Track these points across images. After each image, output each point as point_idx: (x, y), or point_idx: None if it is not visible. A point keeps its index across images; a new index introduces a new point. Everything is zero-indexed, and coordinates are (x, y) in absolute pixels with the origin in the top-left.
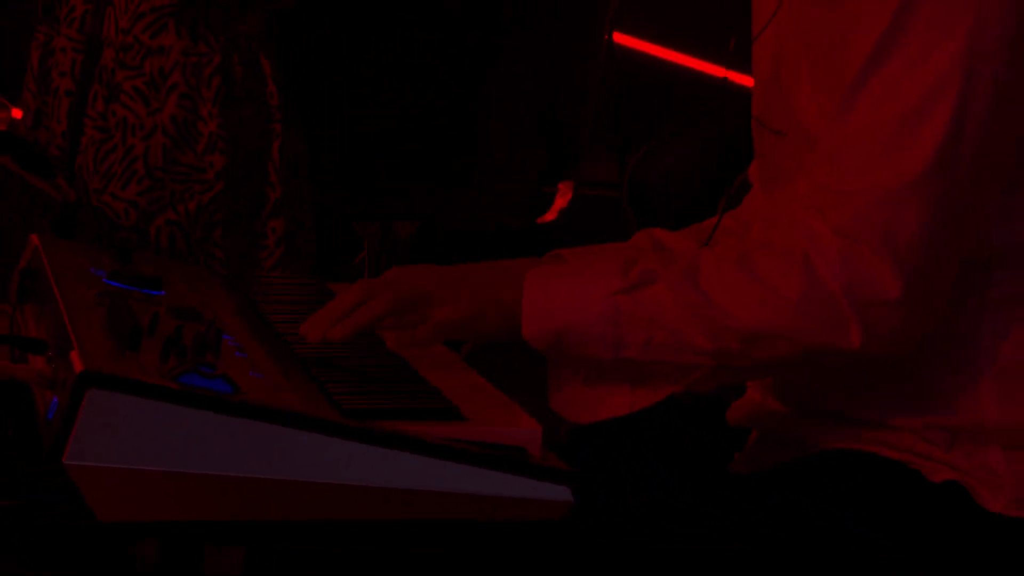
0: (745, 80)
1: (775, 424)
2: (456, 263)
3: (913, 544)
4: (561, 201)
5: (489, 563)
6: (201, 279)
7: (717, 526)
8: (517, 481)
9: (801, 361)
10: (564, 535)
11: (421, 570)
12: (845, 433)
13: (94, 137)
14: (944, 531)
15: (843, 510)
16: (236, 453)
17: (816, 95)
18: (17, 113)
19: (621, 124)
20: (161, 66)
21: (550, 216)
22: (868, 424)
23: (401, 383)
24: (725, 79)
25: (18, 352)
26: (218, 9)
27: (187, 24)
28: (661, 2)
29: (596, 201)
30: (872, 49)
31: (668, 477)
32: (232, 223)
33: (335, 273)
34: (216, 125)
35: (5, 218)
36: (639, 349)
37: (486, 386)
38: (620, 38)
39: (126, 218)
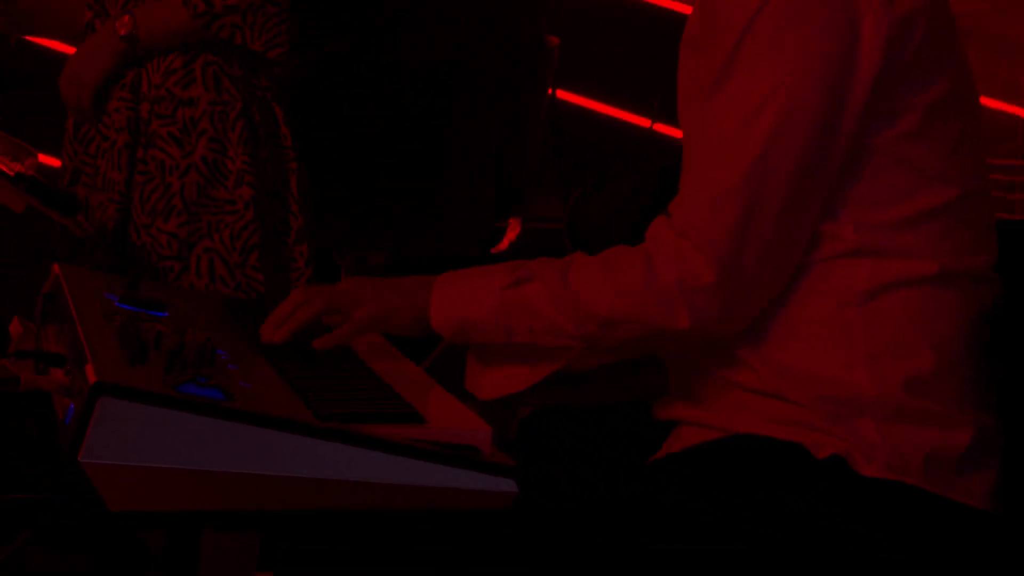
0: (668, 131)
1: (688, 413)
2: None
3: (805, 512)
4: (512, 233)
5: (444, 546)
6: (201, 303)
7: (637, 509)
8: (469, 475)
9: (650, 341)
10: (510, 521)
11: (387, 552)
12: (748, 415)
13: (138, 180)
14: (830, 497)
15: (754, 489)
16: (227, 452)
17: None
18: (48, 159)
19: (564, 168)
20: (192, 115)
21: (502, 246)
22: (766, 395)
23: (370, 391)
24: (651, 128)
25: (41, 365)
26: (237, 65)
27: (212, 78)
28: (598, 64)
29: (542, 233)
30: (710, 86)
31: (600, 467)
32: (265, 248)
33: None
34: (242, 163)
35: (32, 250)
36: (524, 335)
37: (444, 393)
38: (563, 95)
39: (169, 248)
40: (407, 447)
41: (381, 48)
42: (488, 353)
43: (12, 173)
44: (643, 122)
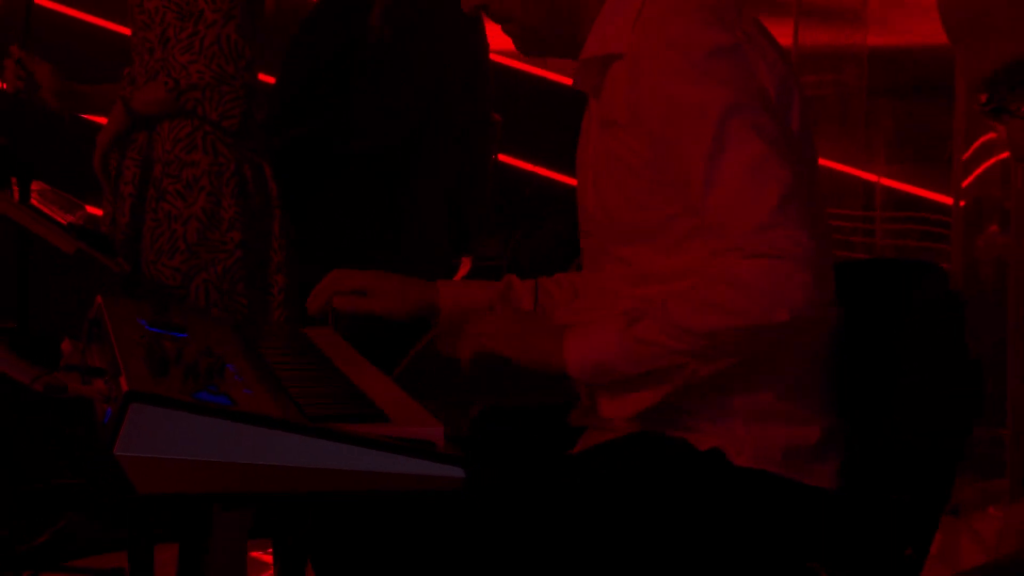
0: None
1: (595, 419)
2: None
3: (687, 493)
4: (463, 270)
5: (404, 519)
6: (213, 326)
7: (555, 489)
8: (424, 463)
9: (750, 340)
10: (458, 500)
11: (360, 524)
12: (644, 419)
13: (150, 226)
14: (707, 481)
15: (645, 475)
16: (233, 446)
17: (635, 194)
18: (93, 210)
19: (505, 216)
20: (194, 174)
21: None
22: (676, 410)
23: (347, 396)
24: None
25: (85, 377)
26: (230, 135)
27: (211, 145)
28: (533, 132)
29: (487, 270)
30: (706, 162)
31: (529, 457)
32: (250, 279)
33: (304, 319)
34: (233, 212)
35: (81, 284)
36: (648, 362)
37: (406, 398)
38: (503, 158)
39: (173, 279)
40: (375, 441)
41: (353, 124)
42: (616, 384)
43: (65, 223)
44: (561, 178)
